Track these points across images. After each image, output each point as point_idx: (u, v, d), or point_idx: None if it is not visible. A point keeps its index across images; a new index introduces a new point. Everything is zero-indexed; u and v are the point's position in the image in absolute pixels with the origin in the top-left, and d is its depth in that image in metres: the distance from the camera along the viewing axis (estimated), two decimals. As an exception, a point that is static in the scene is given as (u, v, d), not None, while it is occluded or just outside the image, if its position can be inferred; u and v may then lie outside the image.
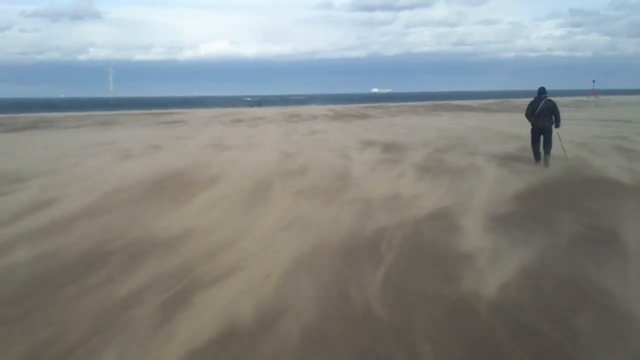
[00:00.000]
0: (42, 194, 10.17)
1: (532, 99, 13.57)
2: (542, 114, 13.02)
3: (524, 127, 14.33)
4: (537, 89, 13.30)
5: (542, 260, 5.90)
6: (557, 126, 13.11)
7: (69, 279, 5.66)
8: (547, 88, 13.20)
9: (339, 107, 51.25)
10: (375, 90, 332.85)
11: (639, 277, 5.37)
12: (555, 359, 3.99)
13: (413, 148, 16.24)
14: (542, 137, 13.09)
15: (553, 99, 13.11)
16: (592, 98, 64.61)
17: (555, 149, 13.13)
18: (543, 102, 13.08)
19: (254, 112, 45.33)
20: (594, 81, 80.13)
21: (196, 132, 25.58)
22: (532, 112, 13.18)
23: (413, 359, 3.95)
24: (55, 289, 5.38)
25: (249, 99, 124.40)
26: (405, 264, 6.01)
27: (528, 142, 13.53)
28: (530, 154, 13.34)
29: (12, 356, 4.09)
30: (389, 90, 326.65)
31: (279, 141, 19.85)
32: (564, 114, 12.74)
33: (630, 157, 13.52)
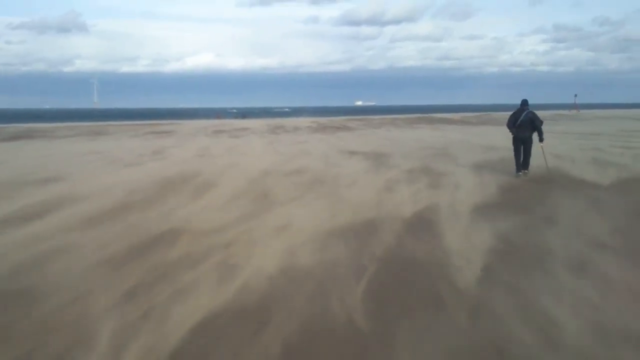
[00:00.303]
0: (70, 193, 11.14)
1: (513, 111, 13.90)
2: (523, 125, 13.31)
3: (498, 139, 15.32)
4: (519, 102, 13.57)
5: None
6: (540, 140, 13.28)
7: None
8: (530, 102, 13.52)
9: (323, 120, 50.91)
10: (359, 103, 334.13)
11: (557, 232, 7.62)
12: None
13: (395, 158, 16.99)
14: (522, 147, 13.37)
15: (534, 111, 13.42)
16: (573, 112, 65.73)
17: (537, 159, 13.55)
18: (524, 113, 13.37)
19: (239, 124, 45.35)
20: (575, 95, 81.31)
21: (185, 142, 25.53)
22: (513, 124, 13.48)
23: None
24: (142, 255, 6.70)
25: (234, 110, 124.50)
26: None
27: (503, 153, 14.69)
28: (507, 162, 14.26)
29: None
30: (373, 103, 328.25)
31: (264, 151, 20.37)
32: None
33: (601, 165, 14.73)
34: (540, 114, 13.67)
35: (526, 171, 13.36)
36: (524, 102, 13.65)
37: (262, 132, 33.19)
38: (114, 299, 5.29)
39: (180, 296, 5.34)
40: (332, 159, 17.04)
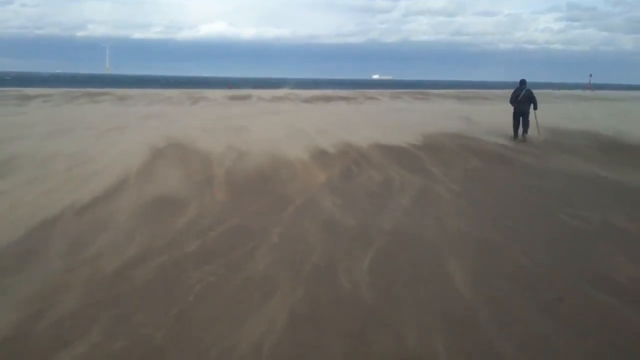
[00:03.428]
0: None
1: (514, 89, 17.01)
2: (523, 101, 16.35)
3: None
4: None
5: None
6: (535, 108, 16.53)
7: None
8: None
9: (328, 92, 50.42)
10: (376, 76, 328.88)
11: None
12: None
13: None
14: (521, 119, 16.34)
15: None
16: (587, 92, 64.97)
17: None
18: (524, 91, 16.44)
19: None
20: (590, 75, 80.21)
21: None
22: (515, 99, 16.52)
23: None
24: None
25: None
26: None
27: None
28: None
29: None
30: (390, 77, 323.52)
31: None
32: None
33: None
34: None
35: (525, 135, 16.38)
36: (523, 82, 16.74)
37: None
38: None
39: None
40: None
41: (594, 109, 31.45)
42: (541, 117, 17.11)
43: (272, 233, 6.94)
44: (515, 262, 6.08)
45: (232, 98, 36.11)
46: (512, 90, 17.39)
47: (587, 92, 64.27)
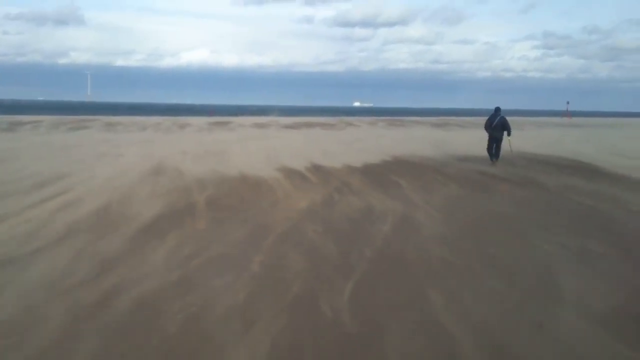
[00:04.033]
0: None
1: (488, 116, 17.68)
2: (497, 128, 17.02)
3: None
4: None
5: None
6: (509, 135, 17.32)
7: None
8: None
9: (309, 119, 52.02)
10: (357, 104, 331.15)
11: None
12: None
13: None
14: (494, 145, 17.08)
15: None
16: (565, 119, 66.02)
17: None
18: (498, 118, 17.09)
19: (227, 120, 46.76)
20: (567, 102, 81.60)
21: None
22: (489, 126, 17.22)
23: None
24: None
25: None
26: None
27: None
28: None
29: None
30: (371, 105, 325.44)
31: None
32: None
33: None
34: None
35: (496, 160, 17.07)
36: (497, 109, 17.34)
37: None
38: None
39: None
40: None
41: (571, 136, 32.41)
42: (516, 143, 18.09)
43: (253, 261, 6.93)
44: (495, 289, 6.13)
45: (216, 124, 38.28)
46: (487, 117, 18.02)
47: (565, 119, 65.49)
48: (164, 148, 20.96)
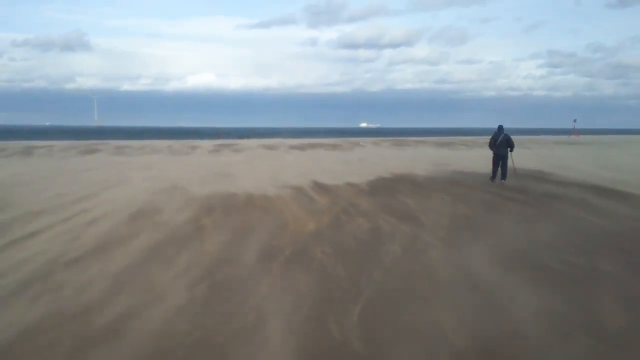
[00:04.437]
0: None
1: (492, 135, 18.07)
2: (501, 145, 17.50)
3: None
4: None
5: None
6: (511, 150, 17.74)
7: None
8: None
9: (317, 140, 52.86)
10: (364, 124, 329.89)
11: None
12: None
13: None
14: (500, 163, 17.44)
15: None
16: (573, 137, 65.76)
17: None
18: (502, 136, 17.55)
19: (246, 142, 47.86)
20: (574, 120, 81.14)
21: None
22: (494, 144, 17.72)
23: None
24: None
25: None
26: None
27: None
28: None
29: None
30: (378, 125, 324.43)
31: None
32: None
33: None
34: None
35: (503, 181, 17.23)
36: (501, 127, 17.85)
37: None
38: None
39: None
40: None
41: (580, 154, 32.34)
42: (527, 160, 18.70)
43: (262, 283, 6.94)
44: (507, 310, 6.09)
45: (225, 146, 39.17)
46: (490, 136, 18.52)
47: (573, 137, 65.29)
48: (176, 170, 21.62)
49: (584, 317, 5.82)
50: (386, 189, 15.88)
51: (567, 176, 19.12)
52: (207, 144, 44.34)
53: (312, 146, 40.55)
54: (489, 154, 18.33)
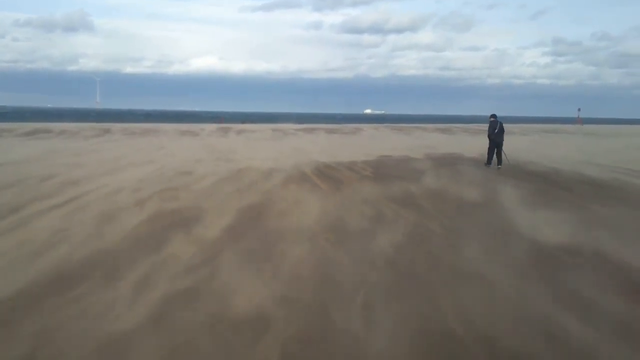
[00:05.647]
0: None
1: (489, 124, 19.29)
2: (500, 132, 18.72)
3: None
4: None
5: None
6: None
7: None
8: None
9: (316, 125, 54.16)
10: (368, 111, 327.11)
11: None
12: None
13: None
14: (496, 150, 18.61)
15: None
16: (577, 126, 65.58)
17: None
18: (499, 124, 18.81)
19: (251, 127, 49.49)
20: (579, 109, 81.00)
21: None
22: (493, 131, 18.79)
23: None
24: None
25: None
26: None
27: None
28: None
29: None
30: (383, 112, 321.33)
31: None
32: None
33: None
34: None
35: (500, 166, 18.27)
36: (495, 115, 19.16)
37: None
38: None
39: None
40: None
41: (587, 145, 32.46)
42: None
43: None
44: (507, 297, 6.07)
45: (239, 132, 40.34)
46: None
47: (577, 126, 65.12)
48: (185, 150, 21.53)
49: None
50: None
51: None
52: (210, 127, 44.89)
53: (309, 130, 41.15)
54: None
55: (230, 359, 4.64)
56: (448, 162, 19.74)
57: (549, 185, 14.55)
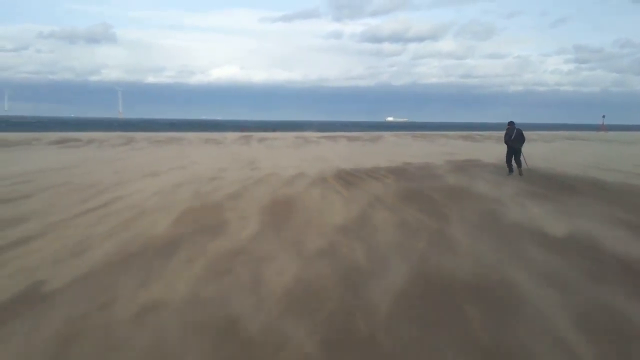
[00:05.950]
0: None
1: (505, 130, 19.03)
2: (516, 139, 18.44)
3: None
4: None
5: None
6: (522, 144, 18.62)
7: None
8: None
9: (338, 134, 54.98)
10: (390, 118, 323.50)
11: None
12: None
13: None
14: (514, 156, 18.42)
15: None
16: (601, 133, 64.65)
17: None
18: (515, 130, 18.50)
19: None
20: (603, 116, 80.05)
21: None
22: (509, 138, 18.53)
23: None
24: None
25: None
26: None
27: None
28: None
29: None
30: (405, 120, 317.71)
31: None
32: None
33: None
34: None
35: (521, 169, 18.29)
36: (512, 122, 18.94)
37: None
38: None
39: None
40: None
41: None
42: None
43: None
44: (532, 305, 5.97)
45: (260, 140, 41.52)
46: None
47: (601, 133, 64.18)
48: (212, 158, 22.00)
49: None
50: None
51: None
52: (232, 135, 45.56)
53: (333, 138, 41.37)
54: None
55: None
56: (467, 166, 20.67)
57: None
